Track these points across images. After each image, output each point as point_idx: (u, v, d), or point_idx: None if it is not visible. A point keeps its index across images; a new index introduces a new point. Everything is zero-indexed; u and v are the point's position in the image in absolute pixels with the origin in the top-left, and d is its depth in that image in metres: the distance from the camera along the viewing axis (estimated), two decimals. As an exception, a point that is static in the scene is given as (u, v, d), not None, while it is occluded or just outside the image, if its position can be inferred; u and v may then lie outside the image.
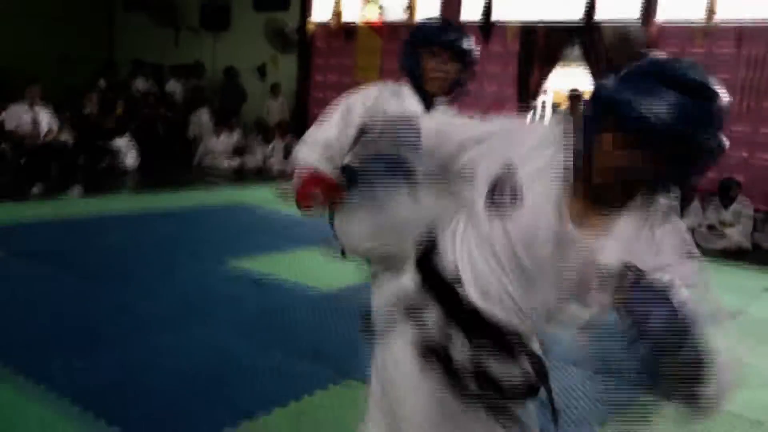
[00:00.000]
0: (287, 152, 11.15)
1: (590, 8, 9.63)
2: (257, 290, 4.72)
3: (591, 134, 1.45)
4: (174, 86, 13.28)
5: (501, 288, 1.53)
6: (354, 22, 12.06)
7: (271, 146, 11.17)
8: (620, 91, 1.42)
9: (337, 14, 12.19)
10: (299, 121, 12.77)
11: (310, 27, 12.71)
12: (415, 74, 2.46)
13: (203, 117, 12.09)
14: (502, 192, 1.51)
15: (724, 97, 1.39)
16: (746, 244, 7.64)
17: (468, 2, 10.99)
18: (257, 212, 7.60)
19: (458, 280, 1.57)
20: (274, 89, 12.54)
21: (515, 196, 1.49)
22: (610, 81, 1.48)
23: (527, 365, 1.59)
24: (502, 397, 1.60)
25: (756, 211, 8.03)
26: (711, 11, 8.88)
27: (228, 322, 4.05)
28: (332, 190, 2.33)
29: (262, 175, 10.67)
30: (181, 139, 12.13)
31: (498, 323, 1.54)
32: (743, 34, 8.78)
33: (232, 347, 3.69)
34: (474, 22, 10.72)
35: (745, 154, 8.91)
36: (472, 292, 1.55)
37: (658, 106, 1.34)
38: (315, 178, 2.35)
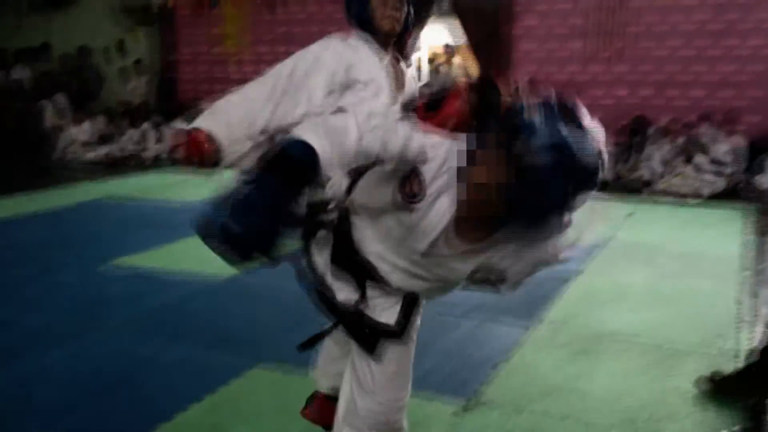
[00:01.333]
0: (160, 135, 10.66)
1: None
2: (150, 286, 4.53)
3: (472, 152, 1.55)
4: (21, 72, 12.23)
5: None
6: (219, -14, 11.54)
7: (140, 130, 10.59)
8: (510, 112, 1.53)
9: (200, -20, 11.61)
10: (168, 100, 12.22)
11: (171, -5, 12.06)
12: (364, 17, 2.37)
13: (59, 104, 11.25)
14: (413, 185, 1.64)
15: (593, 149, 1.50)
16: (607, 176, 8.18)
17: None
18: (135, 204, 7.23)
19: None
20: (137, 67, 11.84)
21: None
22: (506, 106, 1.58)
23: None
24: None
25: (615, 144, 8.61)
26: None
27: (124, 324, 3.87)
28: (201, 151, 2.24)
29: (134, 162, 10.05)
30: (36, 131, 11.19)
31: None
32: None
33: (133, 348, 3.53)
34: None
35: (600, 92, 9.50)
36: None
37: (538, 126, 1.44)
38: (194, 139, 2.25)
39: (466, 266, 1.72)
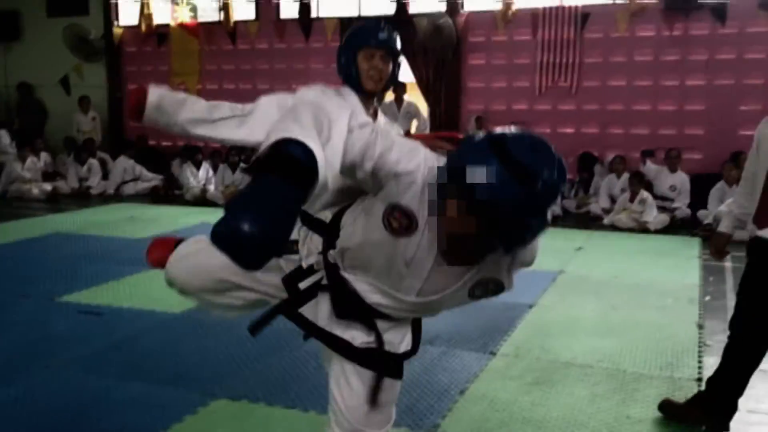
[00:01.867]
0: (105, 172, 10.49)
1: (402, 2, 10.03)
2: (100, 323, 4.41)
3: (439, 200, 1.53)
4: (-40, 109, 11.96)
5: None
6: (166, 24, 11.55)
7: (86, 167, 10.37)
8: (461, 159, 1.50)
9: (147, 17, 11.58)
10: (115, 136, 12.05)
11: (118, 32, 11.99)
12: (352, 78, 2.54)
13: (2, 140, 10.98)
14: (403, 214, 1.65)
15: (556, 178, 1.48)
16: (557, 211, 8.39)
17: (285, 0, 10.98)
18: (82, 240, 7.06)
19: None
20: (83, 103, 11.62)
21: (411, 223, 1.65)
22: (458, 151, 1.56)
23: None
24: None
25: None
26: (508, 1, 9.60)
27: (74, 361, 3.74)
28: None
29: (79, 199, 9.87)
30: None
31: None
32: (538, 22, 9.58)
33: (84, 386, 3.42)
34: (293, 18, 10.75)
35: (548, 130, 9.77)
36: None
37: (485, 179, 1.42)
38: None
39: (464, 289, 1.73)
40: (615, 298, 5.00)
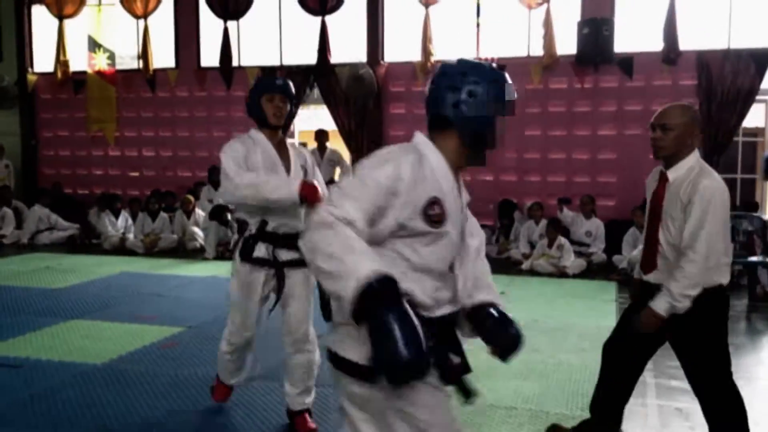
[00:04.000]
0: (19, 221, 10.09)
1: (324, 52, 10.21)
2: (16, 376, 4.21)
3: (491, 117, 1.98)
4: None
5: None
6: (83, 71, 11.32)
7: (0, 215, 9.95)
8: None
9: (63, 63, 11.33)
10: (28, 183, 11.62)
11: (32, 78, 11.67)
12: (260, 117, 3.31)
13: None
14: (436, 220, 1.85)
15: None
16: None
17: (206, 48, 10.98)
18: (-5, 290, 6.77)
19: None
20: (-4, 150, 11.24)
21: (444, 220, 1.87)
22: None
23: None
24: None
25: (482, 226, 8.97)
26: (428, 53, 9.92)
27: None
28: None
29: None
30: None
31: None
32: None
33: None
34: (214, 67, 10.74)
35: (468, 177, 10.02)
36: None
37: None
38: None
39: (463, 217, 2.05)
40: (536, 340, 5.08)
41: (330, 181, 9.40)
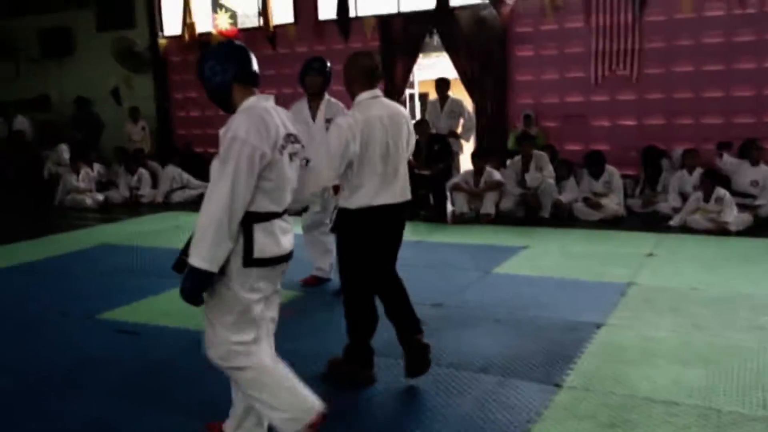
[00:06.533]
0: (155, 181, 10.45)
1: (444, -5, 9.58)
2: (135, 344, 4.19)
3: None
4: (22, 123, 12.17)
5: None
6: (208, 33, 11.42)
7: (136, 176, 10.34)
8: None
9: (189, 26, 11.49)
10: (163, 145, 12.00)
11: (162, 42, 11.95)
12: (305, 87, 5.17)
13: (63, 154, 11.15)
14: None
15: None
16: (621, 211, 7.78)
17: (323, 1, 10.68)
18: (127, 251, 6.94)
19: None
20: (133, 113, 11.68)
21: None
22: None
23: None
24: None
25: (624, 177, 8.22)
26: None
27: (103, 388, 3.54)
28: None
29: (130, 208, 9.88)
30: (35, 180, 11.19)
31: None
32: (591, 6, 8.96)
33: (113, 420, 3.18)
34: (331, 19, 10.43)
35: (606, 123, 9.15)
36: None
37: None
38: None
39: None
40: (697, 315, 4.37)
41: (451, 134, 8.86)
